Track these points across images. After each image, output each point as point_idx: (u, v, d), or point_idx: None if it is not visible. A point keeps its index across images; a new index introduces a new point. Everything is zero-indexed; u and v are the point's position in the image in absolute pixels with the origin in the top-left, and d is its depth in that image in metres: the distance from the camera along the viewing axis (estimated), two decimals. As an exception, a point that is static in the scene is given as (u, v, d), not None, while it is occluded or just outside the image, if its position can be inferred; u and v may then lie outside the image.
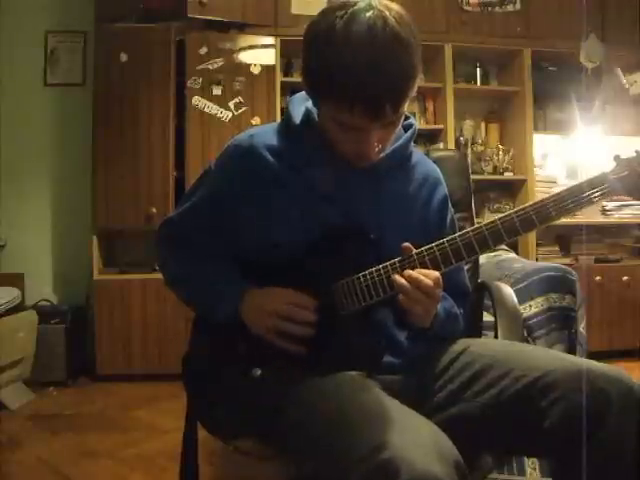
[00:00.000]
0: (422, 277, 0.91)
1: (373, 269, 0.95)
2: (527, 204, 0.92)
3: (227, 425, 1.01)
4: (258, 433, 0.97)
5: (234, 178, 1.03)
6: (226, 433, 1.04)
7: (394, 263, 0.94)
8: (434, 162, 1.19)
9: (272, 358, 0.97)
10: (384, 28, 0.84)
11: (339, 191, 1.02)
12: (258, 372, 0.96)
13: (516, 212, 0.91)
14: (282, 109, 3.17)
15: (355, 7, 0.86)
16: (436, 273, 0.92)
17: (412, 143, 1.11)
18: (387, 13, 0.86)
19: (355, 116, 0.87)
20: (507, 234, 0.91)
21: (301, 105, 1.05)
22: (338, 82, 0.85)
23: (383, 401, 0.81)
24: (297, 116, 1.04)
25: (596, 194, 0.90)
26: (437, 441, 0.72)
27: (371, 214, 1.02)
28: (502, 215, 0.92)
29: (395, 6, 0.89)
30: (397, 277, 0.92)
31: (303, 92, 1.07)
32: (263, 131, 1.07)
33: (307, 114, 1.03)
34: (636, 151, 0.91)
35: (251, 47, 3.16)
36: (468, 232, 0.93)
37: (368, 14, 0.85)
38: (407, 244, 0.94)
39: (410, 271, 0.92)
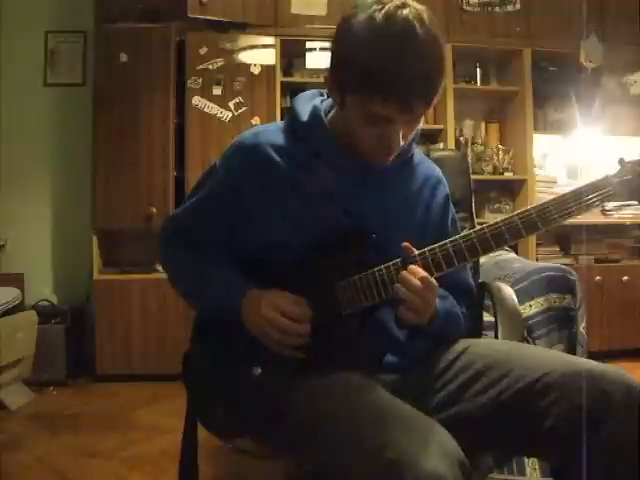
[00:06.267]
0: (411, 277, 0.91)
1: (375, 269, 0.95)
2: (530, 207, 0.91)
3: (227, 424, 1.01)
4: (258, 432, 0.97)
5: (238, 176, 1.03)
6: (226, 432, 1.04)
7: (396, 263, 0.94)
8: (434, 162, 1.19)
9: (272, 357, 0.97)
10: (421, 25, 0.86)
11: (342, 190, 1.02)
12: (258, 371, 0.96)
13: (519, 214, 0.91)
14: (282, 109, 3.17)
15: (391, 4, 0.88)
16: (424, 274, 0.91)
17: (414, 144, 1.11)
18: (421, 12, 0.88)
19: (388, 107, 0.88)
20: (510, 236, 0.91)
21: (307, 104, 1.05)
22: (376, 72, 0.86)
23: (387, 400, 0.81)
24: (304, 114, 1.04)
25: (600, 197, 0.90)
26: (441, 440, 0.72)
27: (374, 214, 1.02)
28: (505, 217, 0.92)
29: (423, 7, 0.91)
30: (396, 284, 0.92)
31: (308, 91, 1.08)
32: (268, 129, 1.07)
33: (314, 112, 1.03)
34: None
35: (251, 47, 3.16)
36: (471, 234, 0.92)
37: (405, 11, 0.87)
38: (407, 243, 0.94)
39: (403, 272, 0.92)
